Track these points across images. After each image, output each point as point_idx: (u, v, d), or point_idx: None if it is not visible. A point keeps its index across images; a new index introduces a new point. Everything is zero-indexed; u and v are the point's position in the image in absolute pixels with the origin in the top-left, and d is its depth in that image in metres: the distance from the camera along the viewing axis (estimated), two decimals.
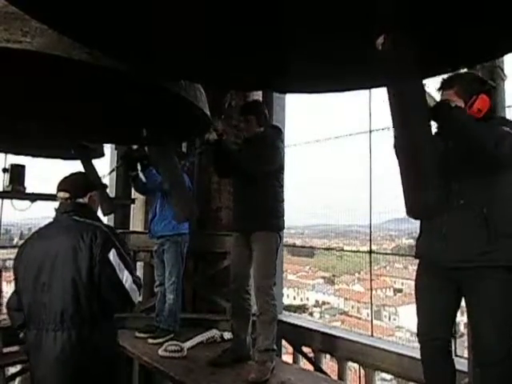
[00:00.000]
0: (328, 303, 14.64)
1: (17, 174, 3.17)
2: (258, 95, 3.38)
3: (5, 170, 3.15)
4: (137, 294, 1.67)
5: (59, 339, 1.53)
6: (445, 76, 1.67)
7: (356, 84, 1.65)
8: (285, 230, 3.43)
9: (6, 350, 2.73)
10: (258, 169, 2.33)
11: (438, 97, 1.66)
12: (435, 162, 1.24)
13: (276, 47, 1.51)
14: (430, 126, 1.35)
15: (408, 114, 1.17)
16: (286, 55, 1.56)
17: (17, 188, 3.12)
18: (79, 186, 1.75)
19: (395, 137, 1.44)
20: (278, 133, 2.55)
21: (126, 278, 1.60)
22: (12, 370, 3.03)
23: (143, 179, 3.08)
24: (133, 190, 3.72)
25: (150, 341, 2.86)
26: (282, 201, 2.52)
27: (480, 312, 1.57)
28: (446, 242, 1.58)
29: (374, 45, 1.18)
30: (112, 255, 1.58)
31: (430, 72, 1.52)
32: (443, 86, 1.67)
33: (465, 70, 1.76)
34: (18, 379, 2.91)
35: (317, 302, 14.66)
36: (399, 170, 1.23)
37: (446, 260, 1.58)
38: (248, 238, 2.43)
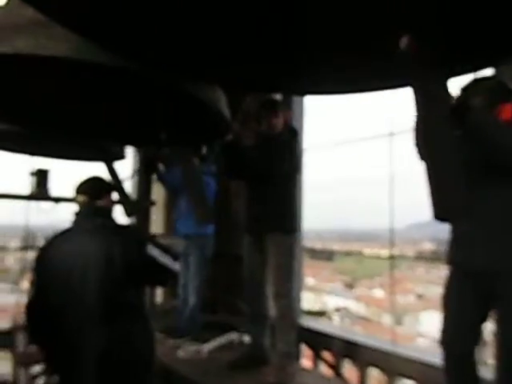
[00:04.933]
0: (347, 308, 14.47)
1: (42, 177, 3.28)
2: (277, 97, 3.37)
3: (32, 175, 3.26)
4: (176, 266, 1.72)
5: (95, 338, 1.54)
6: (464, 82, 1.62)
7: (377, 85, 1.62)
8: (303, 233, 3.41)
9: (29, 349, 2.80)
10: (272, 170, 2.32)
11: None
12: (461, 161, 1.20)
13: (295, 48, 1.50)
14: (453, 125, 1.32)
15: (431, 112, 1.15)
16: (305, 56, 1.55)
17: (42, 192, 3.22)
18: (97, 189, 1.78)
19: (417, 134, 1.41)
20: (294, 135, 2.53)
21: (165, 260, 1.63)
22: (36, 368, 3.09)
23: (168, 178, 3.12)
24: (152, 193, 3.77)
25: (170, 342, 2.88)
26: (297, 203, 2.50)
27: (509, 320, 1.51)
28: (476, 248, 1.53)
29: (398, 45, 1.16)
30: (147, 248, 1.62)
31: (454, 72, 1.48)
32: (466, 90, 1.63)
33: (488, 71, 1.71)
34: (42, 378, 2.97)
35: (336, 306, 14.50)
36: (425, 170, 1.20)
37: (475, 266, 1.54)
38: (262, 241, 2.42)
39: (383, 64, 1.40)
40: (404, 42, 1.15)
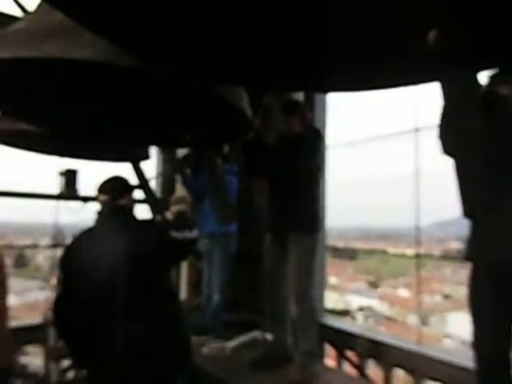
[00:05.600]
0: (371, 308, 14.25)
1: (70, 178, 3.39)
2: (299, 95, 3.36)
3: (61, 174, 3.36)
4: (195, 233, 1.76)
5: (125, 333, 1.56)
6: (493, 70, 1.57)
7: (403, 80, 1.59)
8: (326, 232, 3.39)
9: (60, 344, 2.89)
10: (294, 170, 2.32)
11: None
12: (490, 157, 1.17)
13: (318, 45, 1.49)
14: (482, 118, 1.28)
15: (460, 107, 1.12)
16: (328, 52, 1.53)
17: (71, 191, 3.33)
18: (117, 188, 1.82)
19: (442, 127, 1.37)
20: (316, 134, 2.52)
21: (184, 235, 1.70)
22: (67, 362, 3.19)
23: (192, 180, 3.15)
24: (177, 191, 3.82)
25: (194, 339, 2.91)
26: (319, 201, 2.49)
27: None
28: (500, 243, 1.49)
29: (426, 38, 1.14)
30: (172, 234, 1.66)
31: (483, 65, 1.44)
32: (494, 79, 1.57)
33: None
34: (72, 372, 3.06)
35: (360, 306, 14.31)
36: (454, 167, 1.17)
37: (499, 262, 1.49)
38: (284, 240, 2.42)
39: (408, 59, 1.38)
40: (432, 35, 1.13)
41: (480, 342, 1.57)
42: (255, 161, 2.43)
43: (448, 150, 1.36)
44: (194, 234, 1.77)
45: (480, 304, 1.59)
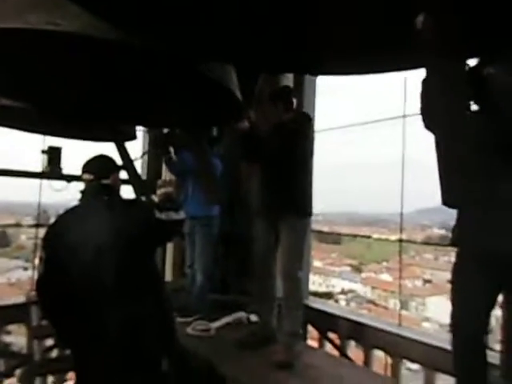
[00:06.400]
0: (354, 291, 14.57)
1: (54, 155, 3.31)
2: (288, 80, 3.33)
3: (43, 152, 3.29)
4: (182, 214, 1.77)
5: (110, 311, 1.55)
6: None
7: (391, 66, 1.59)
8: (312, 217, 3.42)
9: (43, 323, 2.89)
10: (286, 155, 2.33)
11: None
12: (474, 146, 1.18)
13: (309, 27, 1.48)
14: (468, 106, 1.28)
15: (447, 93, 1.13)
16: (319, 35, 1.52)
17: (54, 169, 3.26)
18: (102, 168, 1.79)
19: (431, 116, 1.37)
20: (307, 119, 2.52)
21: (170, 215, 1.70)
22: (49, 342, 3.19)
23: (176, 161, 3.12)
24: (163, 173, 3.79)
25: (179, 319, 2.94)
26: (311, 186, 2.51)
27: None
28: (488, 230, 1.51)
29: (413, 24, 1.14)
30: (157, 215, 1.67)
31: (470, 53, 1.45)
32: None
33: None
34: (55, 351, 3.07)
35: (343, 289, 14.61)
36: (436, 154, 1.18)
37: (486, 250, 1.52)
38: (274, 223, 2.44)
39: (398, 45, 1.37)
40: (420, 20, 1.13)
41: (460, 323, 1.62)
42: (252, 152, 2.44)
43: (430, 125, 1.35)
44: (180, 215, 1.77)
45: (463, 288, 1.63)
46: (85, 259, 1.57)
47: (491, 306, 1.60)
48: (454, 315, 1.64)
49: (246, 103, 2.02)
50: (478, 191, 1.23)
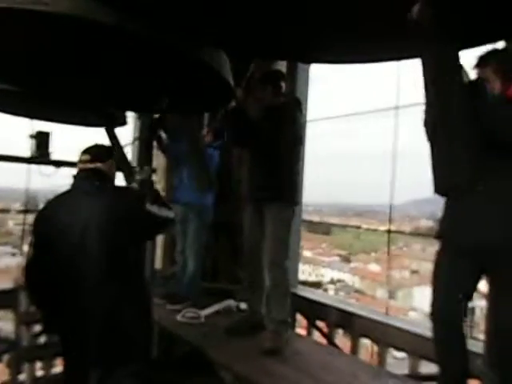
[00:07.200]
0: (343, 281, 14.75)
1: (42, 140, 3.25)
2: (282, 66, 3.30)
3: (32, 137, 3.22)
4: (172, 213, 1.83)
5: (98, 296, 1.57)
6: (481, 52, 1.57)
7: (385, 55, 1.59)
8: (302, 207, 3.42)
9: (31, 309, 2.87)
10: (274, 140, 2.30)
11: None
12: (467, 135, 1.19)
13: (303, 15, 1.46)
14: (462, 96, 1.28)
15: (440, 81, 1.12)
16: (313, 24, 1.51)
17: (43, 154, 3.20)
18: (98, 153, 1.78)
19: (427, 106, 1.37)
20: (297, 104, 2.50)
21: (162, 211, 1.74)
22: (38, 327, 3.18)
23: (170, 145, 3.09)
24: (154, 160, 3.75)
25: (169, 307, 2.94)
26: (298, 174, 2.49)
27: (502, 297, 1.54)
28: (473, 223, 1.54)
29: (409, 13, 1.13)
30: (148, 206, 1.69)
31: (466, 44, 1.45)
32: (479, 64, 1.57)
33: (503, 44, 1.66)
34: (43, 336, 3.06)
35: (332, 279, 14.78)
36: (429, 143, 1.19)
37: (470, 241, 1.55)
38: (261, 210, 2.43)
39: (392, 34, 1.37)
40: (416, 9, 1.12)
41: (439, 309, 1.66)
42: (240, 130, 2.40)
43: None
44: (170, 214, 1.81)
45: (445, 278, 1.66)
46: (73, 243, 1.57)
47: (469, 295, 1.64)
48: (433, 302, 1.68)
49: (235, 84, 2.00)
50: (464, 181, 1.24)
